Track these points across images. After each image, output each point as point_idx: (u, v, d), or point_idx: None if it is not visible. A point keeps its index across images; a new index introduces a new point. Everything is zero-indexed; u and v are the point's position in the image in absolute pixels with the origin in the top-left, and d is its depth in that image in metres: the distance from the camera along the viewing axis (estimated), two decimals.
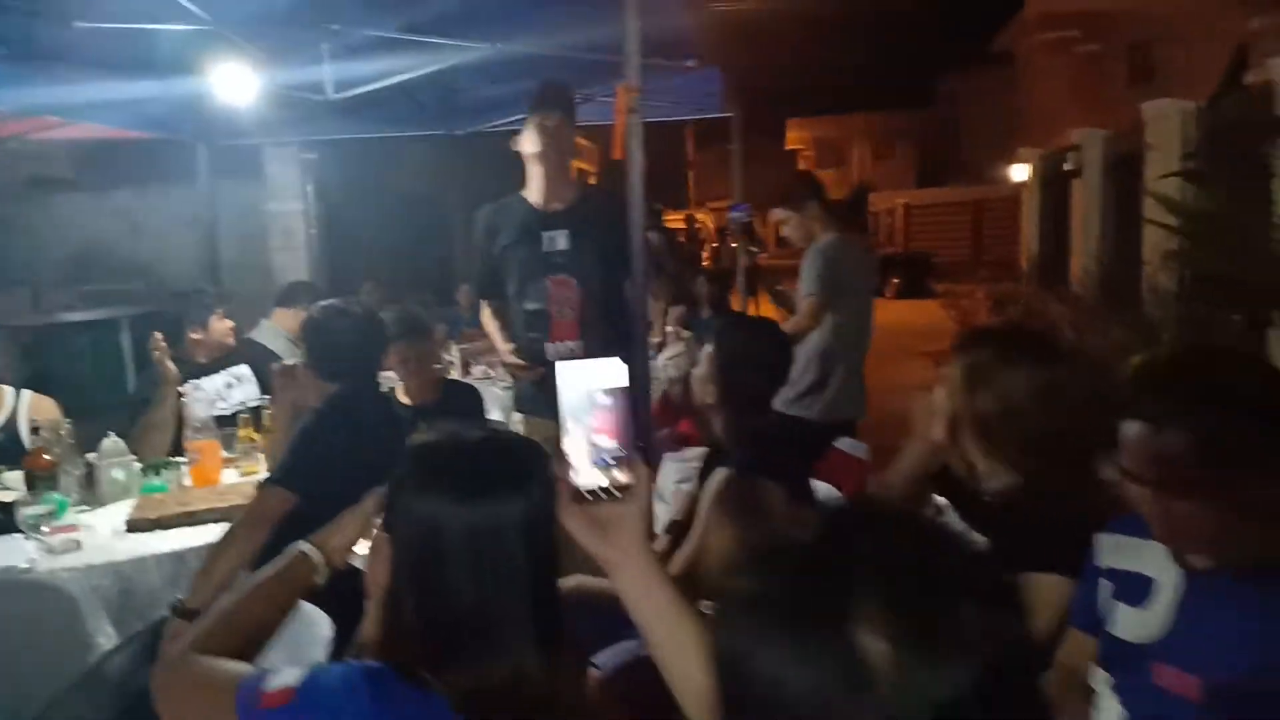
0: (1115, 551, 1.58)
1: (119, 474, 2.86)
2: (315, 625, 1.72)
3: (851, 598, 0.61)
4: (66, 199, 6.51)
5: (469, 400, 3.41)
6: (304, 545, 1.30)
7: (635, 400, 2.05)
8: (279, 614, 1.23)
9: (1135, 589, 1.51)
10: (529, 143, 2.97)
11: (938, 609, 0.62)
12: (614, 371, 1.06)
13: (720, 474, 2.18)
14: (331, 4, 3.39)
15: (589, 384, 1.04)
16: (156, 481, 2.86)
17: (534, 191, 3.02)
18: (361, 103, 4.49)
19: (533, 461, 1.11)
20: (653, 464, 2.82)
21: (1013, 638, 0.65)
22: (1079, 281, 7.75)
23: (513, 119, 4.89)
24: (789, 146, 35.56)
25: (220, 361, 3.52)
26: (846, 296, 3.62)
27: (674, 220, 20.33)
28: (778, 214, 3.83)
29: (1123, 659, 1.50)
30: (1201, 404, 1.37)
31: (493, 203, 3.13)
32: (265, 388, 3.38)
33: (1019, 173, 10.72)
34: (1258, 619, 1.34)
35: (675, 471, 3.20)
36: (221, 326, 3.55)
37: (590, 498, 1.04)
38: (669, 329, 5.50)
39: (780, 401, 3.36)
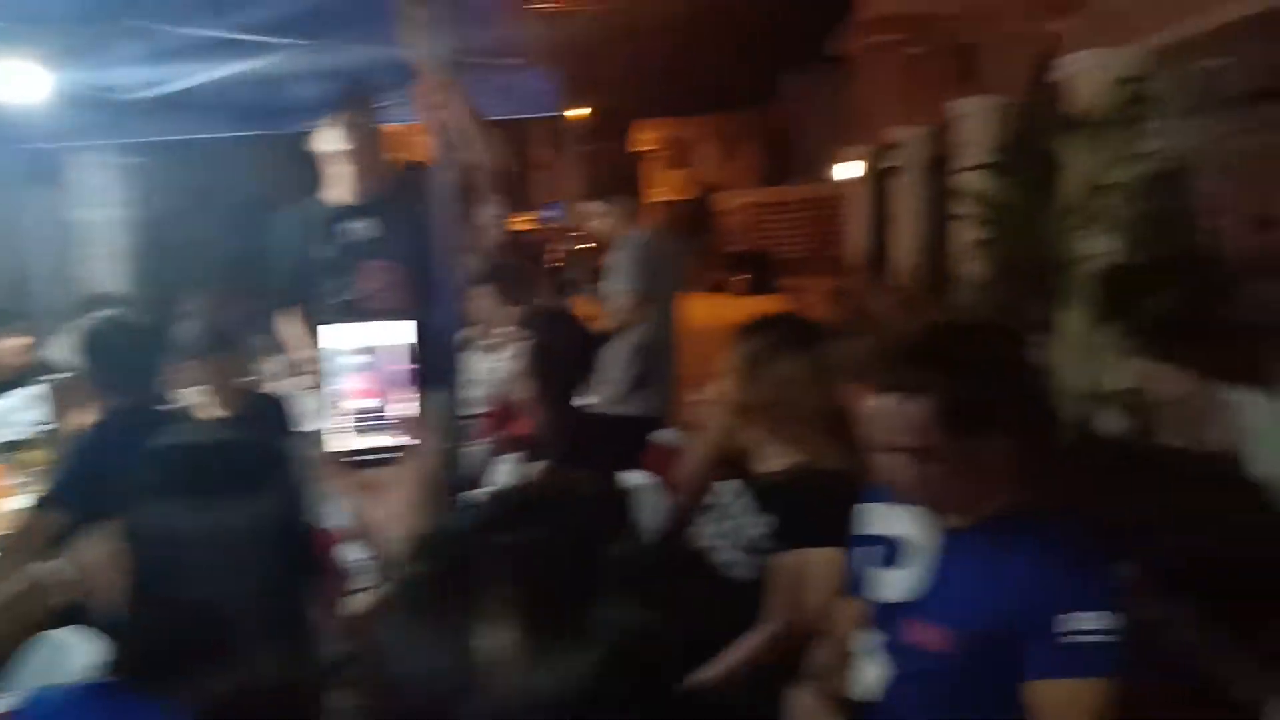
0: (872, 518, 1.71)
1: None
2: (66, 652, 1.64)
3: (485, 587, 0.64)
4: None
5: (274, 412, 3.32)
6: (40, 568, 1.25)
7: (442, 374, 2.06)
8: (10, 640, 1.18)
9: (890, 552, 1.64)
10: (336, 141, 2.92)
11: (564, 602, 0.64)
12: (389, 332, 1.04)
13: (536, 468, 2.23)
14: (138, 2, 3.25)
15: (353, 345, 1.03)
16: None
17: (340, 190, 2.98)
18: (176, 104, 4.29)
19: (269, 465, 1.10)
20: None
21: (639, 632, 0.68)
22: (901, 273, 8.19)
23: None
24: (638, 148, 35.99)
25: (11, 382, 3.32)
26: (662, 291, 3.71)
27: (523, 222, 20.20)
28: (590, 208, 3.89)
29: (883, 619, 1.62)
30: (941, 373, 1.50)
31: (285, 211, 3.08)
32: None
33: (844, 171, 11.20)
34: (993, 568, 1.47)
35: (506, 473, 3.22)
36: (7, 346, 3.35)
37: (354, 462, 1.03)
38: (507, 329, 5.49)
39: (605, 401, 3.43)
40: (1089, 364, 4.91)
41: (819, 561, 1.85)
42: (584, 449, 2.22)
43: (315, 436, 2.99)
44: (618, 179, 3.93)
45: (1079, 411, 4.95)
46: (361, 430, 1.04)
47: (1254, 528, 3.28)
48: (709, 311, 6.32)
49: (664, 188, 32.87)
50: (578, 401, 2.33)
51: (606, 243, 3.85)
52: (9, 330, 3.36)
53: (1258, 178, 4.36)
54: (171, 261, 7.12)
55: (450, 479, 2.33)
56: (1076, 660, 1.38)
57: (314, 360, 3.02)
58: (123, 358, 2.30)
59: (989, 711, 1.46)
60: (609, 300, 3.72)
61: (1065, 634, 1.38)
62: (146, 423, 2.29)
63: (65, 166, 6.91)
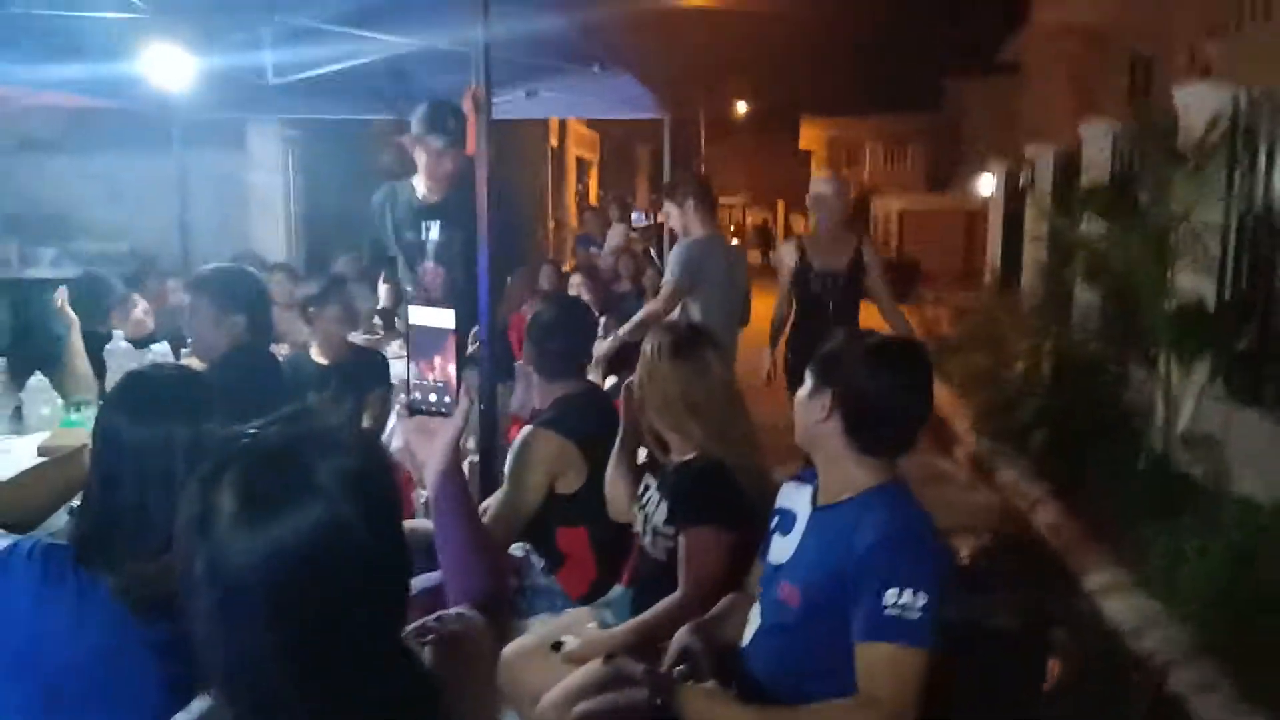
0: (784, 495, 1.96)
1: (45, 409, 3.28)
2: None
3: (221, 468, 0.92)
4: (51, 160, 6.94)
5: (373, 365, 3.81)
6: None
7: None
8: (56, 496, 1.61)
9: (786, 522, 1.89)
10: (423, 142, 3.29)
11: (278, 481, 0.91)
12: (447, 318, 1.40)
13: (525, 430, 2.57)
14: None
15: (429, 326, 1.39)
16: (75, 417, 3.26)
17: (419, 183, 3.38)
18: (325, 87, 4.86)
19: (203, 396, 1.45)
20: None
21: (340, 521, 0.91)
22: (1024, 292, 8.04)
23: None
24: (803, 146, 35.78)
25: (144, 340, 3.82)
26: (706, 288, 3.98)
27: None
28: (665, 208, 4.21)
29: (767, 578, 1.88)
30: (833, 375, 1.76)
31: (388, 185, 3.49)
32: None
33: (990, 183, 10.97)
34: (843, 540, 1.71)
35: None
36: (137, 312, 3.93)
37: (418, 413, 1.39)
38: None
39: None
40: (1174, 403, 4.81)
41: (701, 538, 2.11)
42: (565, 414, 2.54)
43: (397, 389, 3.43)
44: (686, 182, 4.25)
45: (1162, 450, 4.86)
46: (423, 390, 1.40)
47: None
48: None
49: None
50: (571, 373, 2.63)
51: (674, 238, 4.17)
52: (155, 288, 3.91)
53: None
54: (320, 225, 7.87)
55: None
56: (895, 628, 1.59)
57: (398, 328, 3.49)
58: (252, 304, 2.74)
59: (826, 665, 1.69)
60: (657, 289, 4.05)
61: (888, 605, 1.60)
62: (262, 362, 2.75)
63: (246, 134, 7.79)
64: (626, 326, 3.87)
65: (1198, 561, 3.72)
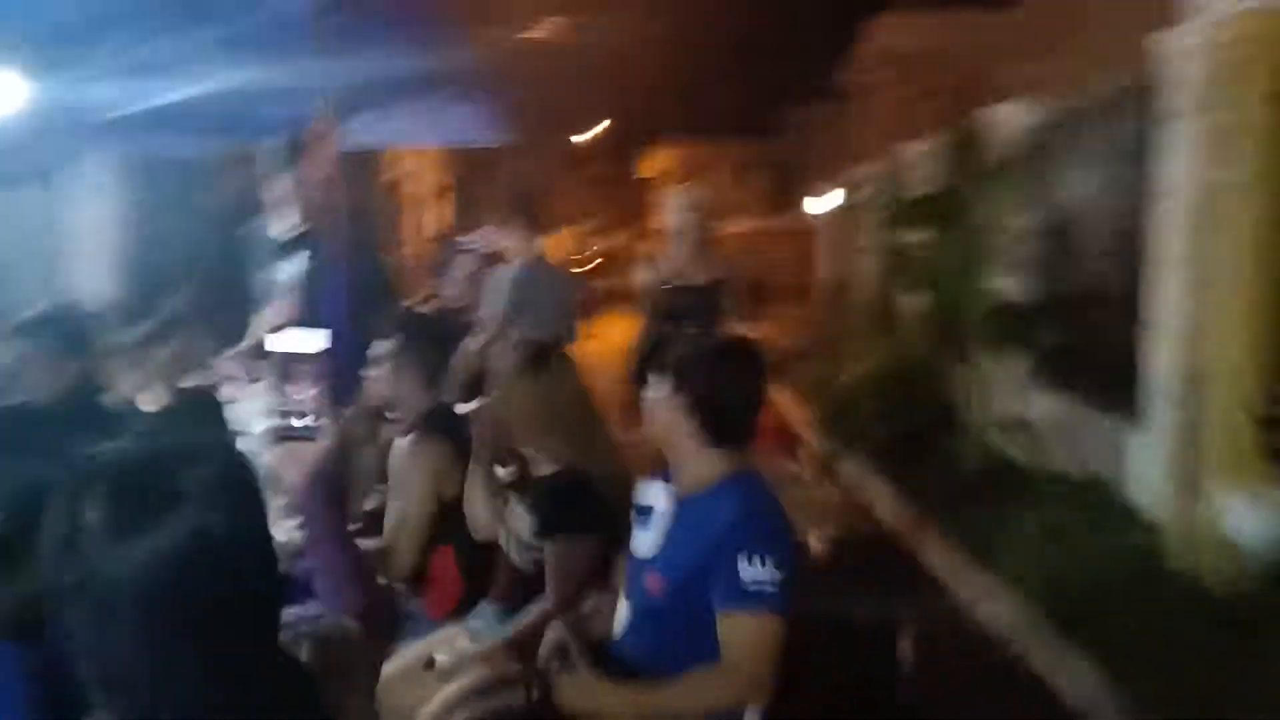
0: (642, 492, 2.09)
1: None
2: None
3: (88, 482, 0.95)
4: None
5: (207, 407, 3.73)
6: None
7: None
8: None
9: (645, 517, 2.01)
10: (280, 177, 3.30)
11: (145, 491, 0.95)
12: (313, 340, 1.43)
13: (410, 436, 2.63)
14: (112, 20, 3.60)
15: (296, 352, 1.42)
16: None
17: (280, 218, 3.38)
18: (150, 121, 4.70)
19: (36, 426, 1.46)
20: None
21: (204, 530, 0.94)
22: (856, 303, 8.57)
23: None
24: (652, 171, 36.47)
25: None
26: (531, 312, 4.03)
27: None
28: (490, 230, 4.27)
29: (632, 571, 2.00)
30: (681, 377, 1.90)
31: (245, 226, 3.48)
32: None
33: (820, 204, 11.60)
34: (701, 526, 1.85)
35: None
36: None
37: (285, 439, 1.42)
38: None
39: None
40: (992, 393, 5.28)
41: (575, 546, 2.23)
42: (444, 423, 2.61)
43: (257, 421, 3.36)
44: (518, 205, 4.26)
45: (984, 437, 5.30)
46: (287, 414, 1.43)
47: None
48: None
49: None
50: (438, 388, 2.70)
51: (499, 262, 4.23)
52: None
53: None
54: (150, 266, 7.54)
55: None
56: (752, 598, 1.74)
57: (258, 357, 3.44)
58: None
59: (693, 647, 1.81)
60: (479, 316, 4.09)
61: (744, 577, 1.74)
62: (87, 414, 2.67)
63: (55, 170, 7.35)
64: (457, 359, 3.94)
65: (1015, 535, 4.10)
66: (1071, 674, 3.36)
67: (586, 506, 2.24)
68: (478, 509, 2.48)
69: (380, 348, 2.57)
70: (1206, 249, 3.67)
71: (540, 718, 1.80)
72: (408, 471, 2.51)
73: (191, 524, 0.93)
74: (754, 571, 1.74)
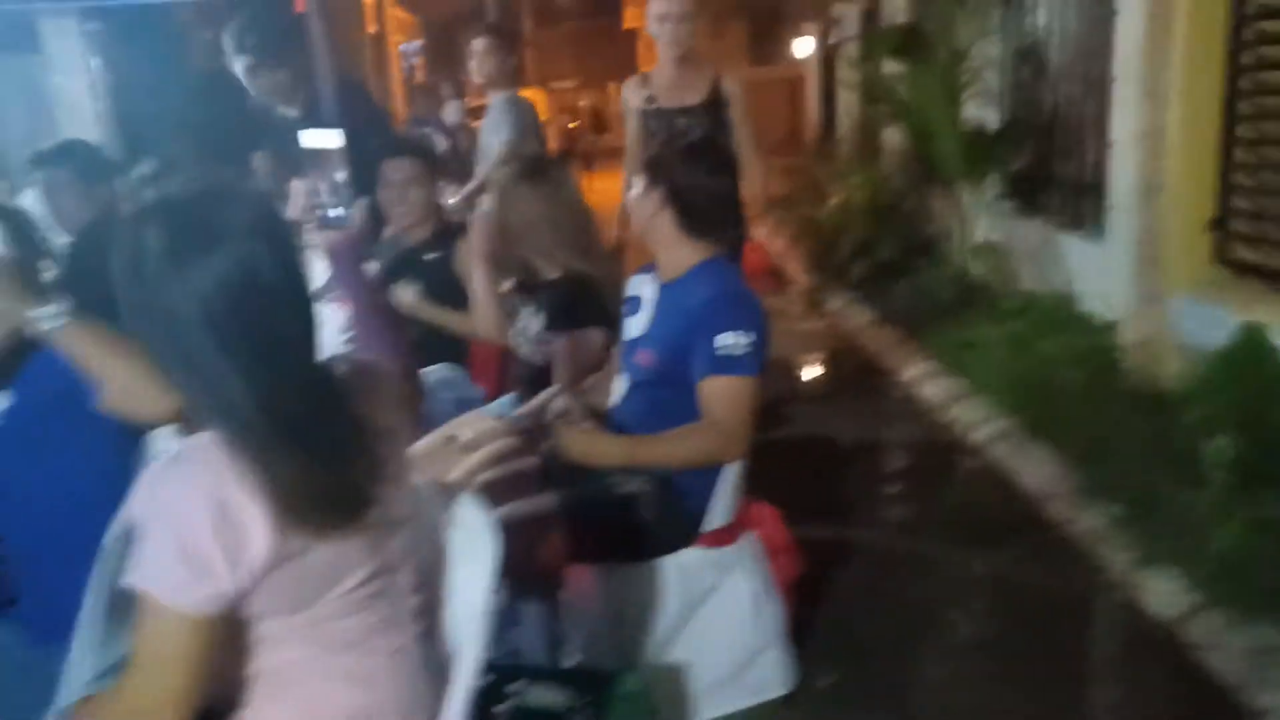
0: (632, 284, 2.34)
1: None
2: None
3: (144, 216, 1.09)
4: None
5: None
6: None
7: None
8: None
9: (634, 304, 2.27)
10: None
11: (196, 224, 1.08)
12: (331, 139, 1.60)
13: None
14: None
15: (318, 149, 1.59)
16: None
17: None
18: None
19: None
20: None
21: (256, 250, 1.08)
22: (841, 144, 8.66)
23: None
24: (627, 26, 35.32)
25: None
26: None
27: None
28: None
29: (626, 351, 2.27)
30: (659, 175, 2.12)
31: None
32: None
33: (803, 49, 11.46)
34: (681, 306, 2.11)
35: None
36: None
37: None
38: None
39: None
40: (966, 221, 5.49)
41: (588, 339, 2.49)
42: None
43: None
44: (495, 39, 4.27)
45: (959, 263, 5.56)
46: (318, 206, 1.60)
47: None
48: None
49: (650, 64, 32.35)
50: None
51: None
52: None
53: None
54: (136, 125, 7.54)
55: None
56: (727, 364, 2.01)
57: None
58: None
59: (680, 409, 2.09)
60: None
61: (719, 346, 2.01)
62: None
63: (41, 33, 7.26)
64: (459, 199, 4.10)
65: (984, 347, 4.41)
66: (1033, 465, 3.70)
67: (589, 304, 2.49)
68: (487, 312, 2.72)
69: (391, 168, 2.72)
70: (1161, 61, 3.82)
71: (550, 470, 2.09)
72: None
73: (240, 251, 1.07)
74: (727, 340, 2.00)
